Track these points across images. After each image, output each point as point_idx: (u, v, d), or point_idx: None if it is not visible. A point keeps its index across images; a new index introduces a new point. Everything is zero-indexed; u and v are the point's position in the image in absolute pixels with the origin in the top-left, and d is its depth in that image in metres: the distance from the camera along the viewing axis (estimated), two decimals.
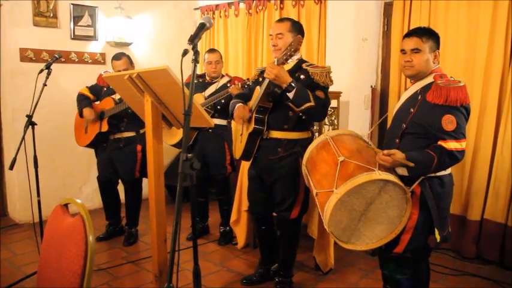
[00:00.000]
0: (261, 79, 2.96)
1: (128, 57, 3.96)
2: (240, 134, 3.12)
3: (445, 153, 2.16)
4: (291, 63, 2.88)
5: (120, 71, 3.79)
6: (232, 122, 3.47)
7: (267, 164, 2.96)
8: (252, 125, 2.88)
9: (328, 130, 3.96)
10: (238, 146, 3.11)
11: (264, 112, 2.87)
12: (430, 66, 2.35)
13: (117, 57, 3.92)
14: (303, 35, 2.90)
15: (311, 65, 2.89)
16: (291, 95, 2.65)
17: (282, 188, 2.95)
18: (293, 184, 2.93)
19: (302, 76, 2.81)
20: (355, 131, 2.62)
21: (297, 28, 2.90)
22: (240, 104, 3.02)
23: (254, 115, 2.88)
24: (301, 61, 2.94)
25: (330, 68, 2.85)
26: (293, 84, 2.64)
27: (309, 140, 2.95)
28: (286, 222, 3.04)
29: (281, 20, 2.98)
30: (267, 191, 3.06)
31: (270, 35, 2.92)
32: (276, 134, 2.90)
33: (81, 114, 3.95)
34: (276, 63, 2.68)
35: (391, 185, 2.17)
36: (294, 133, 2.89)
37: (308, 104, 2.66)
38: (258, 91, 2.89)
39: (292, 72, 2.81)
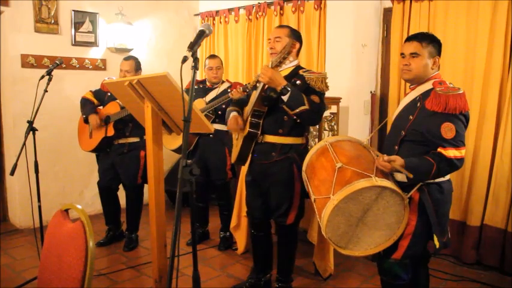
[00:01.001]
0: (257, 84, 2.99)
1: (136, 60, 3.98)
2: (236, 138, 3.15)
3: (444, 161, 2.16)
4: (288, 69, 2.91)
5: (122, 70, 3.88)
6: None
7: (261, 168, 2.97)
8: (247, 129, 2.89)
9: (328, 136, 3.97)
10: (235, 151, 3.13)
11: (259, 116, 2.88)
12: (428, 72, 2.35)
13: (126, 57, 3.98)
14: (301, 42, 2.97)
15: (308, 71, 2.91)
16: (285, 97, 2.67)
17: (276, 194, 2.96)
18: (288, 190, 2.94)
19: (298, 82, 2.83)
20: (354, 137, 2.62)
21: (296, 35, 2.95)
22: (234, 114, 3.04)
23: (249, 119, 2.89)
24: (298, 67, 2.96)
25: (326, 74, 2.87)
26: (288, 88, 2.66)
27: (303, 146, 2.98)
28: (283, 228, 3.04)
29: (281, 26, 3.05)
30: (264, 197, 3.07)
31: (269, 39, 2.95)
32: (270, 139, 2.91)
33: (85, 121, 3.96)
34: (270, 66, 2.70)
35: (389, 192, 2.18)
36: (288, 138, 2.90)
37: (302, 107, 2.68)
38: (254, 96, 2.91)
39: (288, 78, 2.83)
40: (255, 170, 3.03)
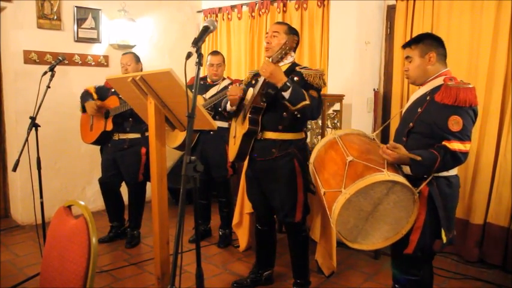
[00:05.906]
0: (254, 81, 3.00)
1: (135, 55, 4.00)
2: (233, 136, 3.13)
3: (448, 154, 2.17)
4: (285, 65, 2.89)
5: (123, 64, 3.91)
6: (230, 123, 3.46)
7: (261, 165, 2.96)
8: (247, 126, 2.87)
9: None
10: (232, 148, 3.11)
11: (257, 113, 2.86)
12: (426, 70, 2.39)
13: (124, 53, 4.00)
14: (298, 38, 2.98)
15: (304, 67, 2.91)
16: (287, 94, 2.64)
17: (279, 192, 2.93)
18: (291, 187, 2.91)
19: (296, 78, 2.83)
20: (362, 130, 2.62)
21: (293, 32, 2.95)
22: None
23: (248, 116, 2.87)
24: (294, 64, 2.95)
25: (323, 70, 2.91)
26: (288, 83, 2.64)
27: (303, 141, 2.99)
28: (293, 227, 3.02)
29: (279, 22, 3.05)
30: (266, 193, 3.05)
31: (266, 33, 2.96)
32: (270, 135, 2.90)
33: (84, 110, 3.96)
34: (271, 61, 2.68)
35: (399, 186, 2.17)
36: (288, 134, 2.89)
37: (304, 103, 2.67)
38: (252, 93, 2.89)
39: (286, 75, 2.81)
40: (256, 167, 3.02)
